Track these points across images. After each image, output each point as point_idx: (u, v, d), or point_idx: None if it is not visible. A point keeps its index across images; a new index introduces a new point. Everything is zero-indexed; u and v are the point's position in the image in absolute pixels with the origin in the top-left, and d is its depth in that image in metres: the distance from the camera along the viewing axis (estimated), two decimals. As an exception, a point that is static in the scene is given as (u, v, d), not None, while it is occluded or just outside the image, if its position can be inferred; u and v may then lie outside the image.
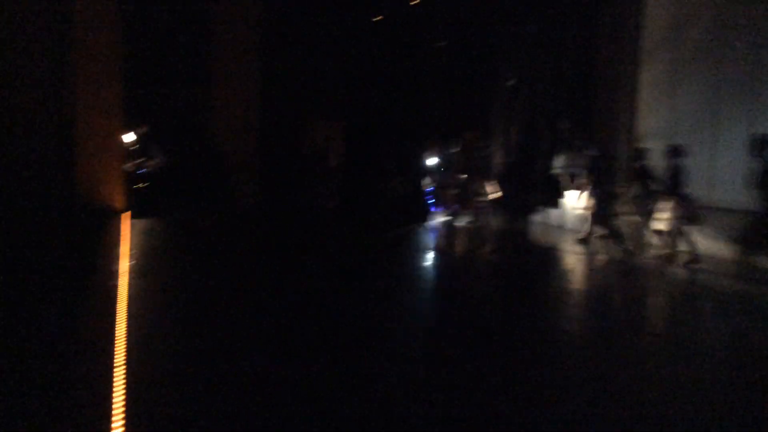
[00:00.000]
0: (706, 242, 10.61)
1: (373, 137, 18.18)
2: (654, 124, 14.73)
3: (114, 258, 9.50)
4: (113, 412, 4.02)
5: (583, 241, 11.75)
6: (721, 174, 12.84)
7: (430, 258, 11.13)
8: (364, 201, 17.16)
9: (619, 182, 12.67)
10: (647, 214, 10.38)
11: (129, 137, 16.45)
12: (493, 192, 13.12)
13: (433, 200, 18.37)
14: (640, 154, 11.37)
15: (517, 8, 18.18)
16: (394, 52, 18.16)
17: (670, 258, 9.89)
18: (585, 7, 16.65)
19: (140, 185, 16.40)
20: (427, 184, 18.21)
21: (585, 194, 11.53)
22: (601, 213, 10.88)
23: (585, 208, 11.43)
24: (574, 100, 17.31)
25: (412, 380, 4.89)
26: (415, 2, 17.78)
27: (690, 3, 13.62)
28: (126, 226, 12.98)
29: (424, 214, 17.13)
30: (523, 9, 18.06)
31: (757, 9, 11.82)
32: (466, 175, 14.93)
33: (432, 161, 18.69)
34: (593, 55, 16.66)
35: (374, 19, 18.25)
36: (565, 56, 17.47)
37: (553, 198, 16.14)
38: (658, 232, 10.07)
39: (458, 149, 16.79)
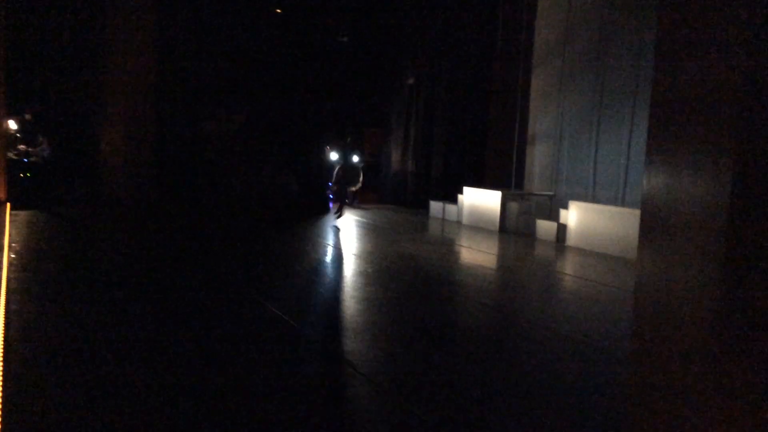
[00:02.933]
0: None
1: (273, 131, 18.03)
2: (544, 127, 15.46)
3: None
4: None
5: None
6: (601, 172, 13.66)
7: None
8: (260, 194, 17.03)
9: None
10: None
11: (12, 124, 15.54)
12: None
13: (331, 196, 18.59)
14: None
15: (419, 8, 18.51)
16: (296, 46, 18.05)
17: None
18: (482, 16, 17.19)
19: (23, 174, 15.53)
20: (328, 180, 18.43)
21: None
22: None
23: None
24: (470, 103, 17.84)
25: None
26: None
27: (577, 15, 14.38)
28: (7, 217, 12.27)
29: (323, 207, 17.24)
30: (425, 10, 18.41)
31: (636, 21, 12.63)
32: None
33: (331, 158, 18.84)
34: (490, 59, 17.25)
35: (276, 11, 18.08)
36: (464, 61, 17.96)
37: (446, 194, 16.68)
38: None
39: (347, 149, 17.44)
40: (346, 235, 13.08)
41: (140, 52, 16.26)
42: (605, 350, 5.96)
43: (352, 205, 18.43)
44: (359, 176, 15.62)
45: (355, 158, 17.07)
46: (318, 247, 11.78)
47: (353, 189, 17.95)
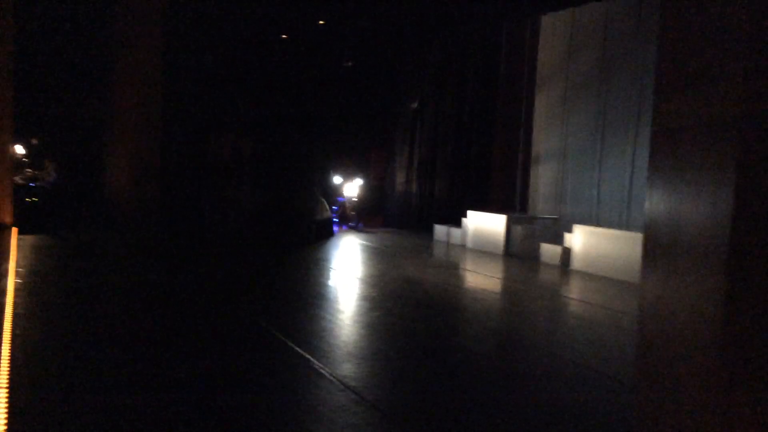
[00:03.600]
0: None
1: (281, 154, 18.12)
2: (548, 147, 15.53)
3: (1, 275, 9.01)
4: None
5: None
6: (605, 194, 13.70)
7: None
8: (271, 218, 17.08)
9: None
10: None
11: (19, 149, 15.66)
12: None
13: (336, 218, 18.76)
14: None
15: (422, 34, 18.69)
16: (302, 70, 18.23)
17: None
18: (485, 39, 17.35)
19: (30, 199, 15.62)
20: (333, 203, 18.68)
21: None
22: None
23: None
24: (473, 125, 17.95)
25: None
26: (322, 22, 17.95)
27: (579, 37, 14.52)
28: (14, 241, 12.32)
29: (329, 231, 17.29)
30: (429, 35, 18.60)
31: (639, 41, 12.74)
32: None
33: (337, 182, 19.03)
34: (494, 82, 17.39)
35: (281, 37, 18.28)
36: (467, 83, 18.11)
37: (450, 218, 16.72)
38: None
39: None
40: (351, 259, 13.09)
41: (146, 78, 16.37)
42: (609, 376, 5.93)
43: (357, 229, 18.49)
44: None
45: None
46: (322, 270, 11.79)
47: (353, 213, 18.38)
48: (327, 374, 5.48)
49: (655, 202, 2.61)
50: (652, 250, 2.67)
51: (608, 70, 13.66)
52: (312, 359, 5.88)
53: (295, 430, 4.35)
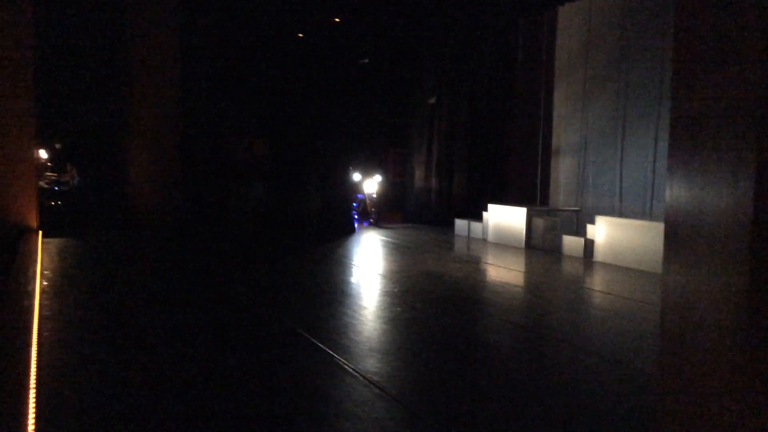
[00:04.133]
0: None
1: (298, 154, 18.18)
2: (568, 139, 15.41)
3: (28, 278, 9.15)
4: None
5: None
6: (627, 185, 13.57)
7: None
8: (287, 217, 17.16)
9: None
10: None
11: (43, 153, 15.88)
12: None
13: (357, 215, 18.83)
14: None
15: (437, 29, 18.63)
16: (318, 69, 18.26)
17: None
18: (502, 30, 17.25)
19: (54, 203, 15.84)
20: (354, 200, 18.77)
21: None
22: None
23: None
24: (492, 118, 17.87)
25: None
26: (337, 20, 17.96)
27: (598, 26, 14.37)
28: (39, 244, 12.51)
29: (350, 227, 17.34)
30: (444, 29, 18.53)
31: (658, 27, 12.57)
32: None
33: (357, 179, 19.08)
34: (511, 75, 17.29)
35: (298, 36, 18.32)
36: (484, 77, 18.02)
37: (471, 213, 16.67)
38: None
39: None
40: (372, 255, 13.11)
41: (164, 81, 16.52)
42: (639, 369, 5.89)
43: (377, 225, 18.51)
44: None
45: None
46: (343, 267, 11.83)
47: (373, 209, 18.47)
48: (350, 369, 5.50)
49: (676, 191, 2.58)
50: (673, 239, 2.64)
51: (628, 59, 13.50)
52: (335, 355, 5.91)
53: (320, 424, 4.37)
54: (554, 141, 15.96)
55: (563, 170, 15.64)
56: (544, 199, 16.28)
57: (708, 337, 2.41)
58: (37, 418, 4.22)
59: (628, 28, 13.55)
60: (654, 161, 12.83)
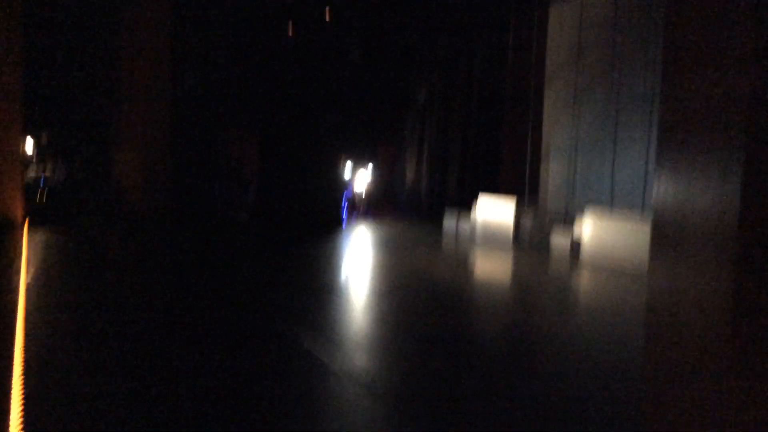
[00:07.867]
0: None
1: (288, 149, 18.14)
2: (558, 139, 15.43)
3: (13, 271, 9.08)
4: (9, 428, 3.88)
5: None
6: (619, 186, 13.60)
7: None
8: (279, 210, 17.12)
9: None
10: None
11: (30, 148, 15.76)
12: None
13: (346, 210, 18.84)
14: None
15: (429, 29, 18.63)
16: (309, 65, 18.22)
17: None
18: (492, 31, 17.28)
19: (40, 194, 15.72)
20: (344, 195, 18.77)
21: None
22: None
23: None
24: (482, 118, 17.90)
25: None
26: (329, 17, 17.92)
27: (589, 25, 14.38)
28: (24, 238, 12.41)
29: (338, 222, 17.34)
30: (435, 30, 18.54)
31: (650, 25, 12.58)
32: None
33: (347, 174, 19.07)
34: (501, 75, 17.32)
35: (289, 33, 18.27)
36: (476, 76, 18.05)
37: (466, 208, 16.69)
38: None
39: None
40: (360, 251, 13.10)
41: (154, 74, 16.43)
42: (625, 371, 5.92)
43: (366, 220, 18.50)
44: None
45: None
46: (331, 262, 11.80)
47: (363, 204, 18.47)
48: (336, 368, 5.50)
49: (663, 189, 2.59)
50: (660, 235, 2.65)
51: (620, 57, 13.51)
52: (321, 352, 5.90)
53: (306, 423, 4.36)
54: (545, 140, 15.95)
55: (553, 168, 15.65)
56: (534, 197, 16.30)
57: (693, 335, 2.43)
58: (25, 411, 4.19)
59: (619, 26, 13.57)
60: (646, 163, 12.83)
